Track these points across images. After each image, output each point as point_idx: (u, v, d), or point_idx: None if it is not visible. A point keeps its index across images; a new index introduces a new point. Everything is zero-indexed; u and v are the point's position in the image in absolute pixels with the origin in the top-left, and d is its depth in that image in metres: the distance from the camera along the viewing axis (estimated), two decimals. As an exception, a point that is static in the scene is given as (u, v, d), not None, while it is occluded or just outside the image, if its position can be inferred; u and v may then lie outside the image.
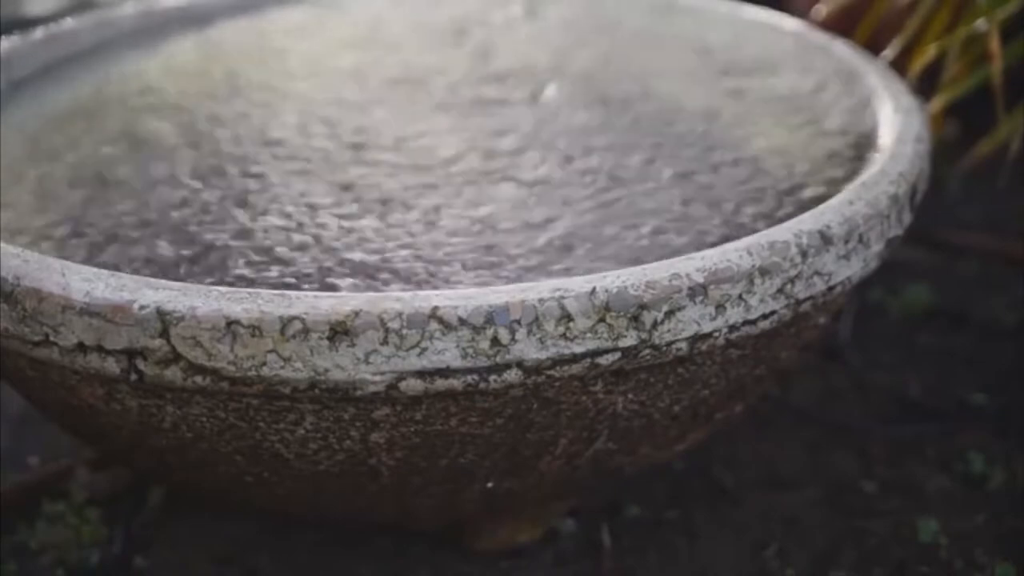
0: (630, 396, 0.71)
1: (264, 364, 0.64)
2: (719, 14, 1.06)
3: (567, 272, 0.74)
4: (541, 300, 0.65)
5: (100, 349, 0.66)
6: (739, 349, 0.72)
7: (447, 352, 0.65)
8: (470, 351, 0.65)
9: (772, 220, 0.78)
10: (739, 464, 0.93)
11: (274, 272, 0.75)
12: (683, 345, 0.68)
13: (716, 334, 0.68)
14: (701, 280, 0.67)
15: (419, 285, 0.73)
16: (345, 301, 0.65)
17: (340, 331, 0.64)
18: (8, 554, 0.86)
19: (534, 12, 1.10)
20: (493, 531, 0.84)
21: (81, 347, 0.67)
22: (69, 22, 1.03)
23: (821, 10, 1.16)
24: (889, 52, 1.03)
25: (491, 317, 0.64)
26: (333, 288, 0.73)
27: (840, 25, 1.10)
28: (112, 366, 0.66)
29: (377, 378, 0.65)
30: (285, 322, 0.64)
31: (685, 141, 0.89)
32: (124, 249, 0.77)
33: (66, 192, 0.84)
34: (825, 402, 1.01)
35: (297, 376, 0.65)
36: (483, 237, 0.78)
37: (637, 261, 0.72)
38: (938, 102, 1.02)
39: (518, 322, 0.65)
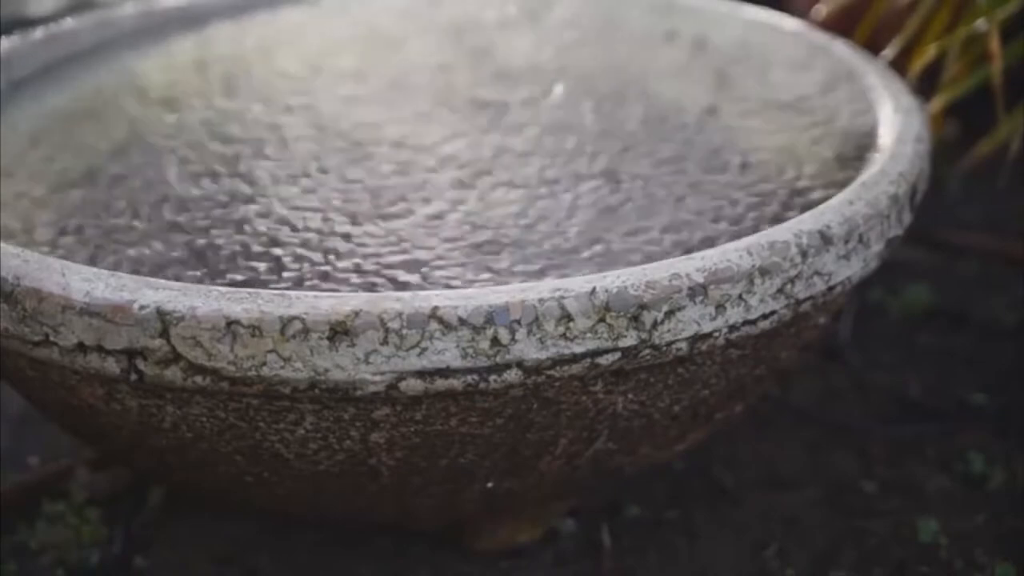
0: (630, 396, 0.71)
1: (264, 364, 0.64)
2: (719, 14, 1.06)
3: (568, 273, 0.74)
4: (541, 300, 0.65)
5: (100, 349, 0.66)
6: (739, 349, 0.72)
7: (447, 352, 0.65)
8: (470, 351, 0.65)
9: (773, 220, 0.78)
10: (739, 464, 0.93)
11: (274, 273, 0.75)
12: (683, 345, 0.68)
13: (716, 334, 0.68)
14: (701, 280, 0.67)
15: (419, 285, 0.73)
16: (345, 301, 0.64)
17: (340, 331, 0.64)
18: (8, 554, 0.86)
19: (534, 12, 1.10)
20: (493, 531, 0.84)
21: (81, 347, 0.67)
22: (69, 22, 1.03)
23: (821, 10, 1.16)
24: (889, 52, 1.03)
25: (491, 317, 0.64)
26: (333, 288, 0.73)
27: (840, 25, 1.10)
28: (112, 366, 0.66)
29: (377, 378, 0.65)
30: (285, 322, 0.64)
31: (684, 141, 0.89)
32: (123, 249, 0.77)
33: (66, 192, 0.84)
34: (825, 402, 1.00)
35: (297, 376, 0.65)
36: (483, 237, 0.78)
37: (640, 262, 0.72)
38: (938, 102, 1.02)
39: (518, 322, 0.65)
